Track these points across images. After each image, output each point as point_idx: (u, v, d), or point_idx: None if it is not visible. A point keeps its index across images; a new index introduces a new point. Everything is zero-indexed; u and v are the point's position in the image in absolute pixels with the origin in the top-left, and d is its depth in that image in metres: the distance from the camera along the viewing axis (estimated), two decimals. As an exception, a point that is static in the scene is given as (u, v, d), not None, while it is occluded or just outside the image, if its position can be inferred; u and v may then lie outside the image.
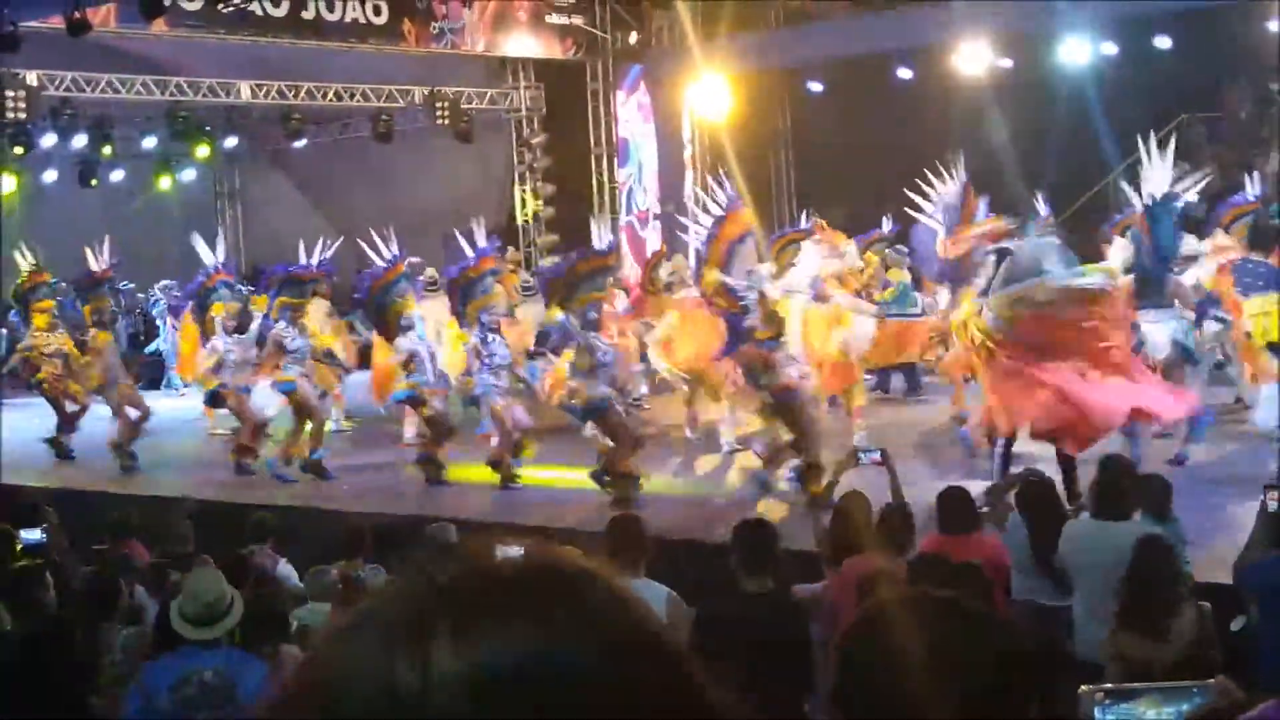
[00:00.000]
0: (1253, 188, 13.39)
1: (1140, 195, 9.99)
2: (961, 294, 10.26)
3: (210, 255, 13.70)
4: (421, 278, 13.87)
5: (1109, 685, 3.75)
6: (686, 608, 5.47)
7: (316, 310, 14.27)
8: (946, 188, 10.86)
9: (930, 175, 11.05)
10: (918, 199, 11.17)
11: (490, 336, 11.42)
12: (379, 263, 12.26)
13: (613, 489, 10.42)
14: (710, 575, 6.23)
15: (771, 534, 5.75)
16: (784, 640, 5.30)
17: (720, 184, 11.35)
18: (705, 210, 11.25)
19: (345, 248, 13.44)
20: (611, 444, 10.64)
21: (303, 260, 13.03)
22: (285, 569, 8.01)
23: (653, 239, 20.72)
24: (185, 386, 16.88)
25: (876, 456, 7.01)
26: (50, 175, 21.67)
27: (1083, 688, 3.59)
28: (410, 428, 13.31)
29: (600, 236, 11.62)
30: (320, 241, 13.16)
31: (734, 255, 10.54)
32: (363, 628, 0.84)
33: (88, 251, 14.40)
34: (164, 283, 19.41)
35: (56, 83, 17.73)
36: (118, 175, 22.71)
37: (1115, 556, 5.92)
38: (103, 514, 9.25)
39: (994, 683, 1.63)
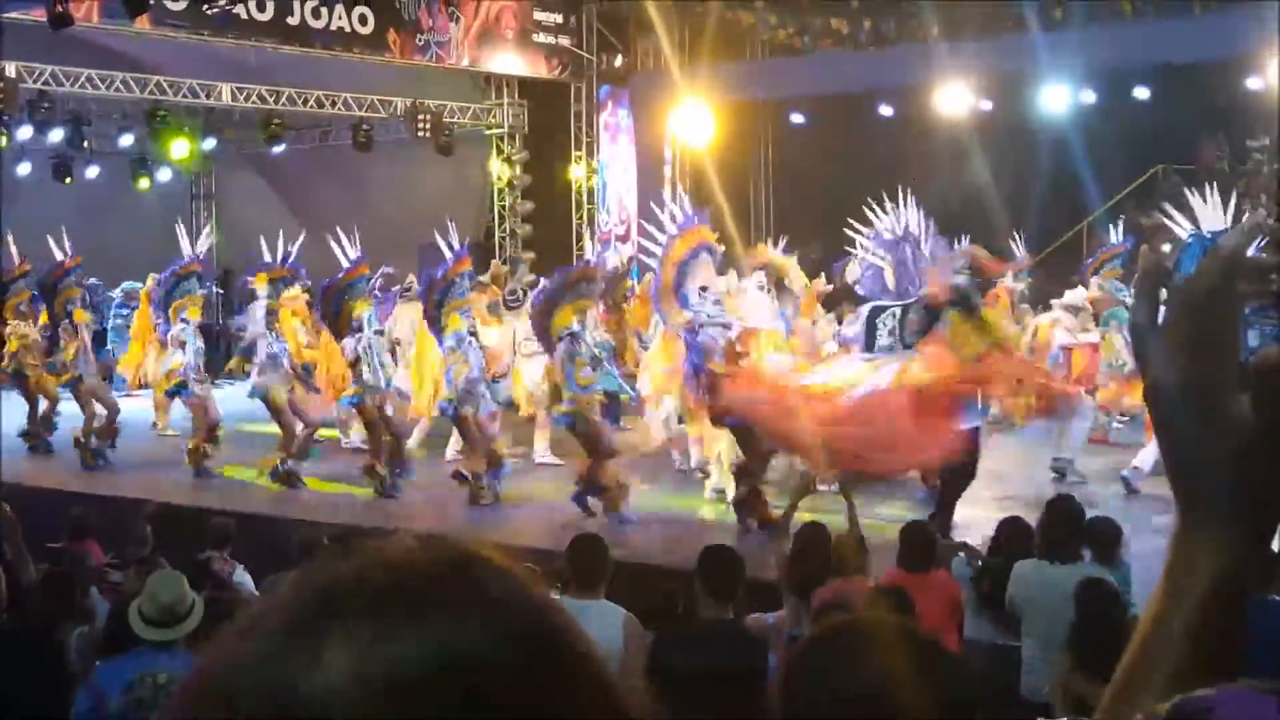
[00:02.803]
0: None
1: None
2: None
3: (189, 246, 13.68)
4: (400, 285, 13.93)
5: (1053, 722, 3.77)
6: (644, 631, 5.45)
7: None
8: (887, 222, 10.80)
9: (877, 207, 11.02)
10: (859, 229, 11.10)
11: (460, 345, 11.38)
12: (344, 263, 12.28)
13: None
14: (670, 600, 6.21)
15: (737, 561, 5.73)
16: (741, 668, 5.28)
17: (680, 202, 11.37)
18: (661, 230, 11.17)
19: (316, 253, 13.42)
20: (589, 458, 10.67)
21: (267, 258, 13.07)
22: (242, 576, 7.95)
23: (613, 261, 20.73)
24: (127, 387, 16.56)
25: (834, 485, 7.00)
26: (24, 169, 21.54)
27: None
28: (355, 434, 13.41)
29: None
30: (287, 242, 13.24)
31: (685, 273, 10.56)
32: (258, 626, 0.82)
33: (50, 242, 14.36)
34: (92, 281, 19.23)
35: (35, 75, 17.63)
36: (93, 172, 22.60)
37: (1062, 598, 5.94)
38: (59, 512, 9.15)
39: (942, 715, 1.62)
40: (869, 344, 9.43)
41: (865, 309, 9.78)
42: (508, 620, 0.82)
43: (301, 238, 13.35)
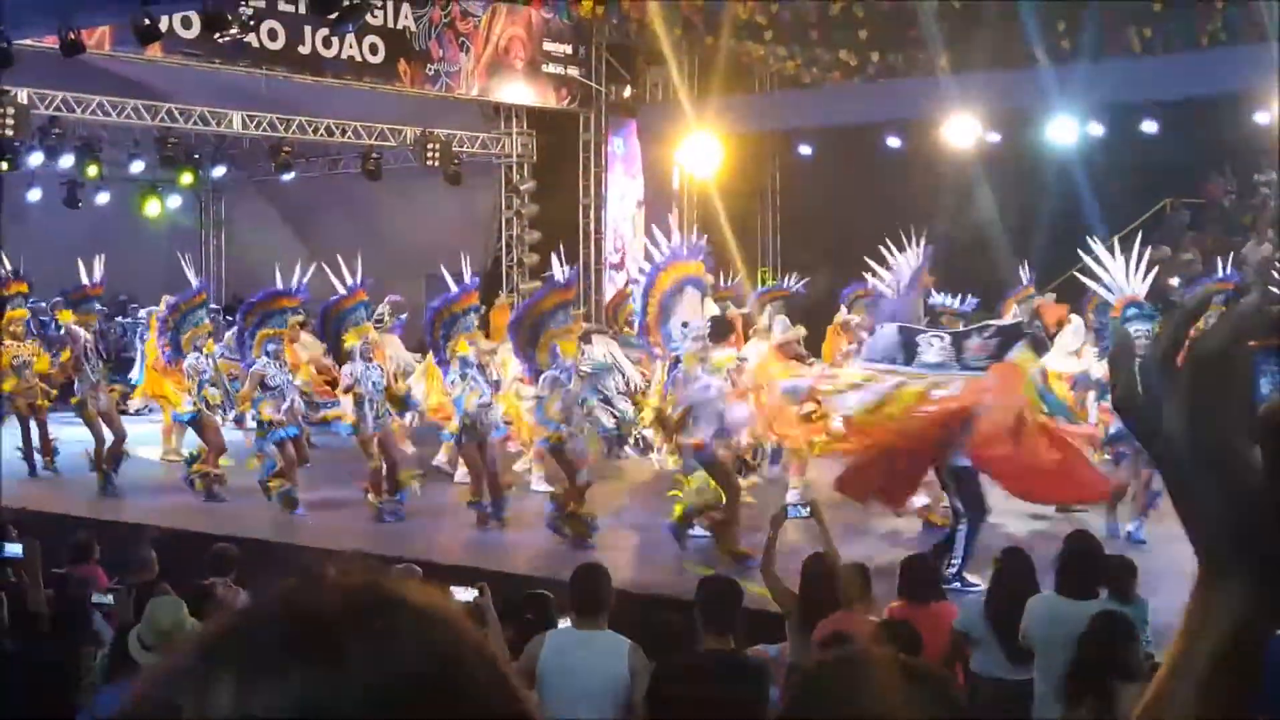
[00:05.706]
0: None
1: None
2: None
3: (194, 278, 13.79)
4: (404, 315, 13.99)
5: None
6: (649, 661, 5.42)
7: (311, 341, 14.33)
8: (904, 257, 10.89)
9: (891, 245, 11.08)
10: (875, 266, 11.19)
11: (468, 372, 11.37)
12: (341, 289, 12.27)
13: (568, 531, 10.51)
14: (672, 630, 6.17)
15: (736, 592, 5.71)
16: (742, 700, 5.25)
17: (669, 235, 11.46)
18: (648, 260, 11.16)
19: (319, 280, 13.44)
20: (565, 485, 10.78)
21: (280, 285, 13.10)
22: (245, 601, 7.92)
23: (610, 291, 20.81)
24: (142, 408, 16.56)
25: (806, 512, 6.97)
26: (35, 194, 21.63)
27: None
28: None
29: (560, 270, 11.57)
30: (299, 267, 13.26)
31: (669, 307, 10.58)
32: (175, 659, 0.87)
33: (80, 265, 14.44)
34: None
35: (46, 102, 17.70)
36: (104, 198, 22.69)
37: (1076, 634, 5.88)
38: (62, 537, 9.15)
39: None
40: (908, 359, 9.63)
41: (890, 330, 9.88)
42: (414, 663, 0.85)
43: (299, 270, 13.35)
